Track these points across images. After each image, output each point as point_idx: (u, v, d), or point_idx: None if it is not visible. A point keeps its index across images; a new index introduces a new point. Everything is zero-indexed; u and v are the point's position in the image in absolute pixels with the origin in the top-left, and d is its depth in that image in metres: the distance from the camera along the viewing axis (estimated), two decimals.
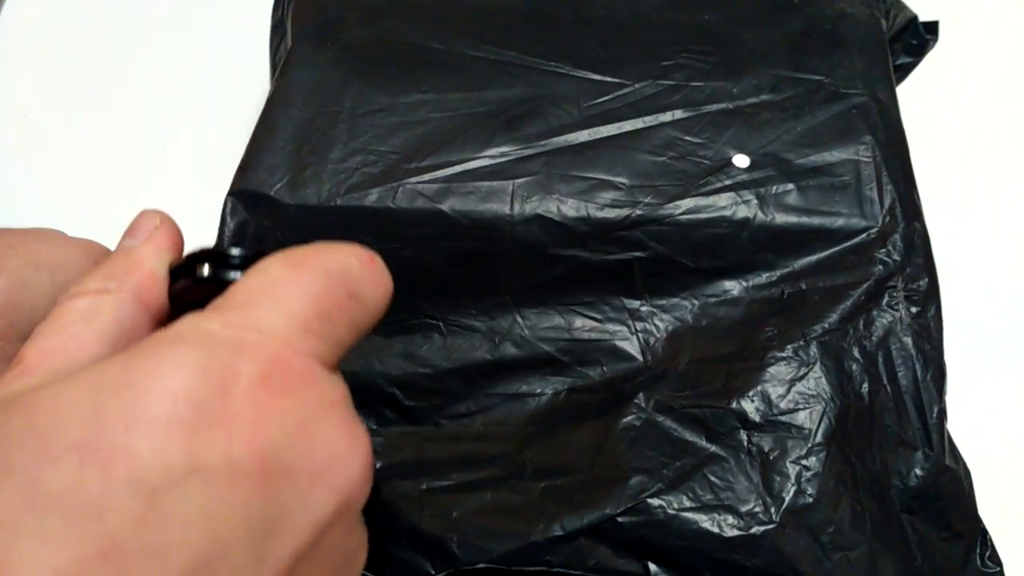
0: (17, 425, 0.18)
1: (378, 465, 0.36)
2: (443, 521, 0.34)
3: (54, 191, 0.52)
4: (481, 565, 0.33)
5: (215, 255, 0.23)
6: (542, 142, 0.39)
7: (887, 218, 0.37)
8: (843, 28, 0.42)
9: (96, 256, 0.32)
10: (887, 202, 0.37)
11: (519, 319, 0.38)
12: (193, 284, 0.23)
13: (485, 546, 0.33)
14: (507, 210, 0.37)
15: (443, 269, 0.38)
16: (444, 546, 0.33)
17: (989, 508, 0.36)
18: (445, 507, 0.35)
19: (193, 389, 0.18)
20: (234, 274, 0.23)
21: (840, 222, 0.37)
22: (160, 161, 0.54)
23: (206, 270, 0.23)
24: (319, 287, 0.22)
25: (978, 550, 0.35)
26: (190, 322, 0.20)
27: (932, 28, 0.49)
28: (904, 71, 0.50)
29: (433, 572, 0.33)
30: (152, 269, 0.23)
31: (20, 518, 0.17)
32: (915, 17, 0.48)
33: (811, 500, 0.34)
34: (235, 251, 0.23)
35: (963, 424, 0.39)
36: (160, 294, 0.23)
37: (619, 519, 0.33)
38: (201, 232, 0.38)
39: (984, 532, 0.35)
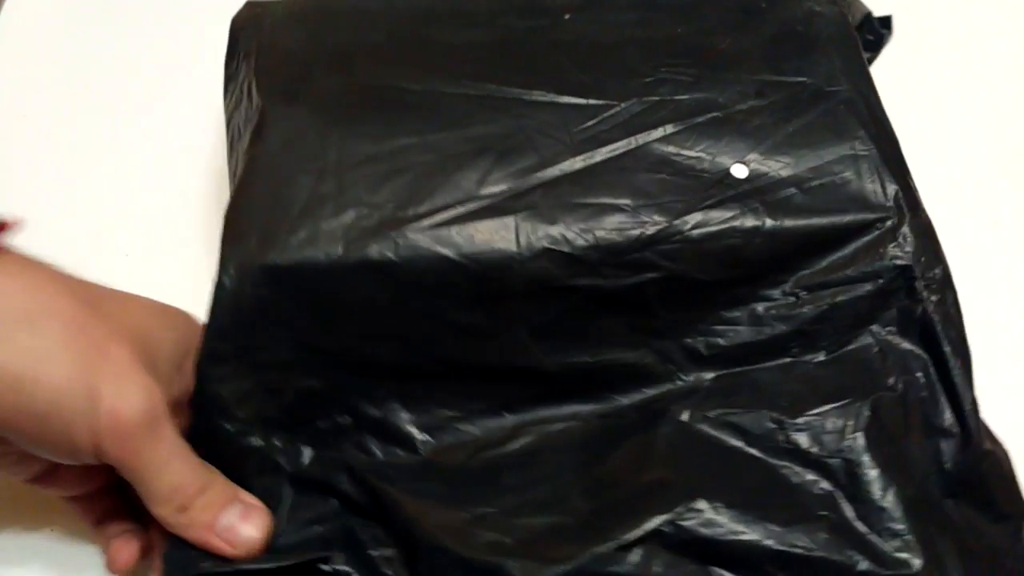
0: None
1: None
2: (497, 548, 0.33)
3: (54, 191, 0.51)
4: None
5: None
6: (537, 174, 0.37)
7: (894, 210, 0.37)
8: (815, 28, 0.42)
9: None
10: (891, 193, 0.37)
11: (539, 354, 0.37)
12: None
13: (549, 566, 0.32)
14: (514, 247, 0.36)
15: (455, 315, 0.36)
16: (503, 572, 0.32)
17: None
18: (496, 534, 0.34)
19: None
20: None
21: (848, 218, 0.37)
22: (159, 161, 0.53)
23: None
24: None
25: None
26: None
27: (886, 23, 0.50)
28: None
29: None
30: None
31: None
32: (869, 13, 0.49)
33: (860, 490, 0.34)
34: None
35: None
36: None
37: (677, 523, 0.33)
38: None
39: None
